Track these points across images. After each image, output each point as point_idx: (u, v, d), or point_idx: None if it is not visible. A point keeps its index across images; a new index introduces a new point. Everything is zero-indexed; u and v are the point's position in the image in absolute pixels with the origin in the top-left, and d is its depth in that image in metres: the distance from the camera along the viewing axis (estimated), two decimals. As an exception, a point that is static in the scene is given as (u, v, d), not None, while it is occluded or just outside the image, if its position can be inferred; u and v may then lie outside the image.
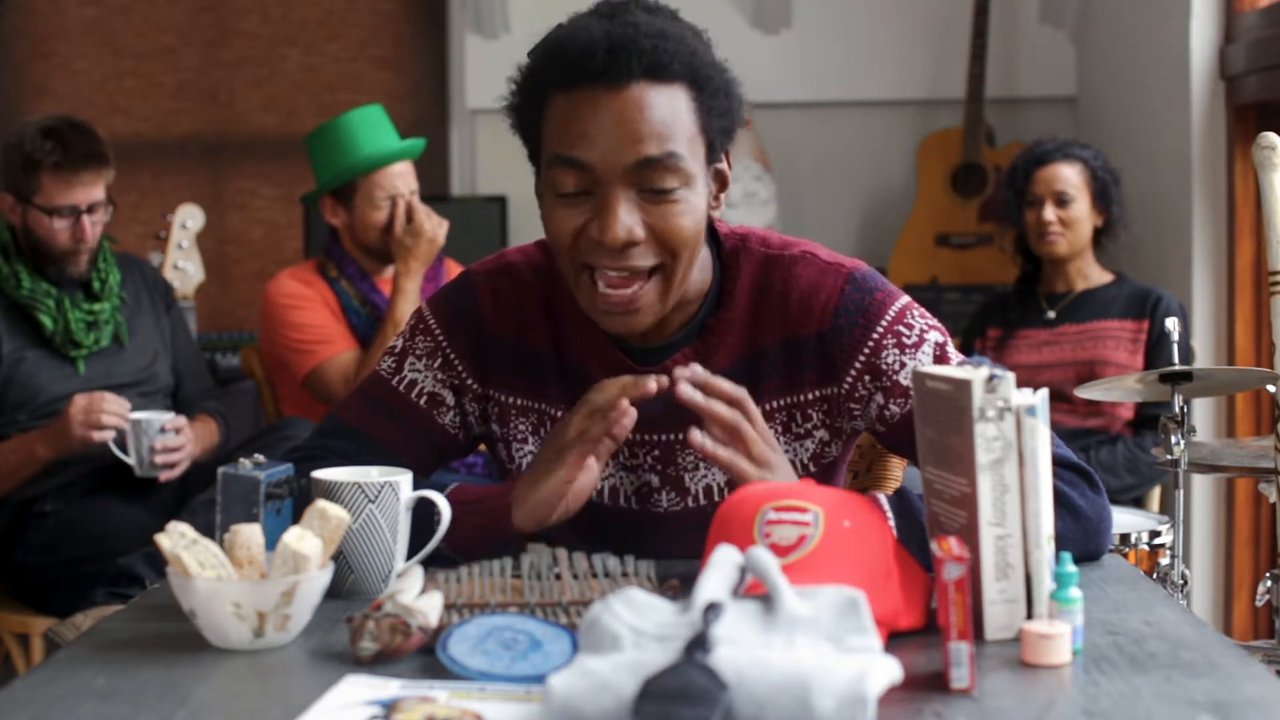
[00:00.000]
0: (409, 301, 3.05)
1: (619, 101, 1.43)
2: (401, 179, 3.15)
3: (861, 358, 1.55)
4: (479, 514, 1.51)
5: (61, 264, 2.89)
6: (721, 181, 1.54)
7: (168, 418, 2.79)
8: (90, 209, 2.87)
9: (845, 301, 1.56)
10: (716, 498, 1.60)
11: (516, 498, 1.49)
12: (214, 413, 3.07)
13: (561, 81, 1.45)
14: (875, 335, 1.55)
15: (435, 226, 3.11)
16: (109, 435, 2.74)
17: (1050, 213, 3.35)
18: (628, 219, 1.44)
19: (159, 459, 2.77)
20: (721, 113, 1.49)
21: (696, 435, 1.40)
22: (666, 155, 1.43)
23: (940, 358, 1.56)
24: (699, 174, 1.47)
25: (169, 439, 2.78)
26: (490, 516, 1.50)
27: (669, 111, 1.44)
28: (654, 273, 1.48)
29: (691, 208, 1.47)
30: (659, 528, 1.62)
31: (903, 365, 1.55)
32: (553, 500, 1.48)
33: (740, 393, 1.44)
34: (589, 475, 1.49)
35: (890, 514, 1.45)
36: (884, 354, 1.55)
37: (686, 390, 1.41)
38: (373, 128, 3.18)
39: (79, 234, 2.86)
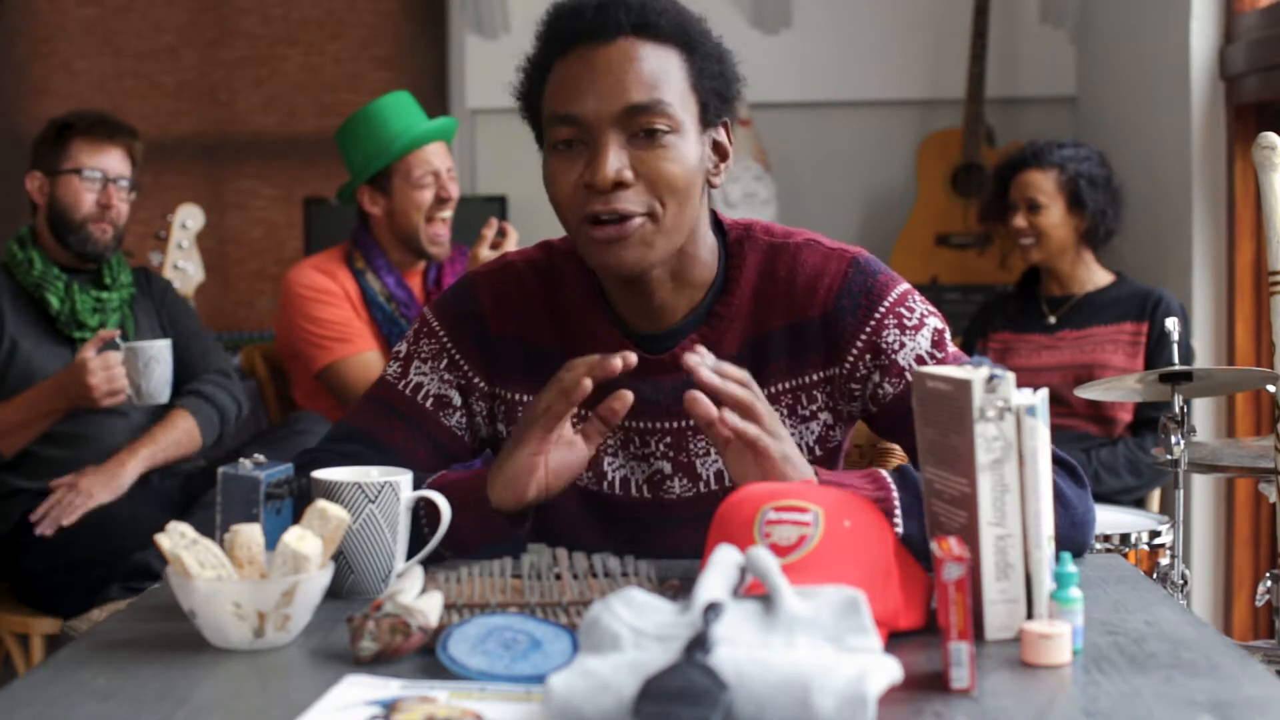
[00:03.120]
0: None
1: (607, 54, 1.49)
2: (438, 157, 3.14)
3: (863, 337, 1.58)
4: (459, 495, 1.51)
5: (84, 234, 2.92)
6: (721, 154, 1.58)
7: (161, 344, 2.80)
8: (117, 180, 2.95)
9: (849, 284, 1.59)
10: (728, 483, 1.62)
11: (491, 476, 1.51)
12: (198, 400, 2.99)
13: (557, 49, 1.51)
14: (877, 315, 1.58)
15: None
16: (126, 393, 2.77)
17: (1021, 219, 3.35)
18: (616, 161, 1.48)
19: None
20: (714, 76, 1.53)
21: (727, 413, 1.41)
22: (654, 102, 1.48)
23: (938, 343, 1.59)
24: (690, 127, 1.51)
25: (169, 355, 2.76)
26: (471, 498, 1.51)
27: (658, 66, 1.49)
28: (644, 216, 1.50)
29: (681, 155, 1.50)
30: (671, 515, 1.63)
31: (902, 345, 1.58)
32: (524, 475, 1.49)
33: (745, 375, 1.46)
34: (574, 454, 1.50)
35: (894, 488, 1.46)
36: (885, 333, 1.58)
37: (705, 373, 1.42)
38: (403, 112, 3.17)
39: (105, 199, 2.93)
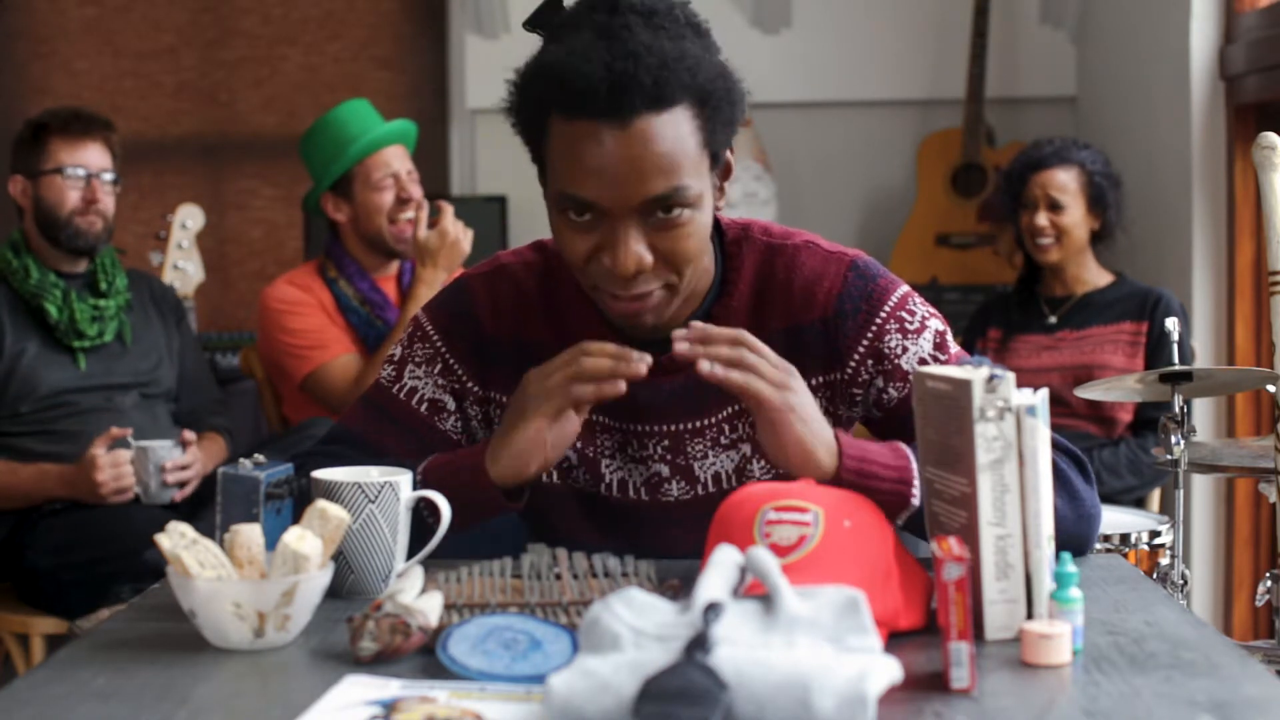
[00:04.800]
0: (421, 303, 3.04)
1: (623, 139, 1.41)
2: (397, 160, 3.17)
3: (865, 342, 1.57)
4: (453, 473, 1.51)
5: (72, 229, 2.93)
6: (725, 171, 1.55)
7: (171, 447, 2.81)
8: (100, 175, 2.96)
9: (849, 288, 1.58)
10: (725, 485, 1.62)
11: (492, 453, 1.49)
12: (221, 430, 3.12)
13: (563, 109, 1.43)
14: (879, 320, 1.57)
15: (461, 232, 3.11)
16: (134, 491, 2.80)
17: (1043, 219, 3.34)
18: (636, 249, 1.44)
19: (170, 478, 2.81)
20: (726, 121, 1.49)
21: (704, 364, 1.40)
22: (673, 190, 1.43)
23: (940, 345, 1.59)
24: (705, 190, 1.48)
25: (178, 457, 2.80)
26: (467, 476, 1.50)
27: (673, 140, 1.42)
28: (663, 289, 1.50)
29: (698, 227, 1.48)
30: (669, 517, 1.63)
31: (905, 350, 1.57)
32: (530, 450, 1.47)
33: (739, 332, 1.43)
34: (569, 423, 1.49)
35: (911, 459, 1.45)
36: (887, 338, 1.57)
37: (683, 346, 1.42)
38: (361, 118, 3.19)
39: (90, 195, 2.93)
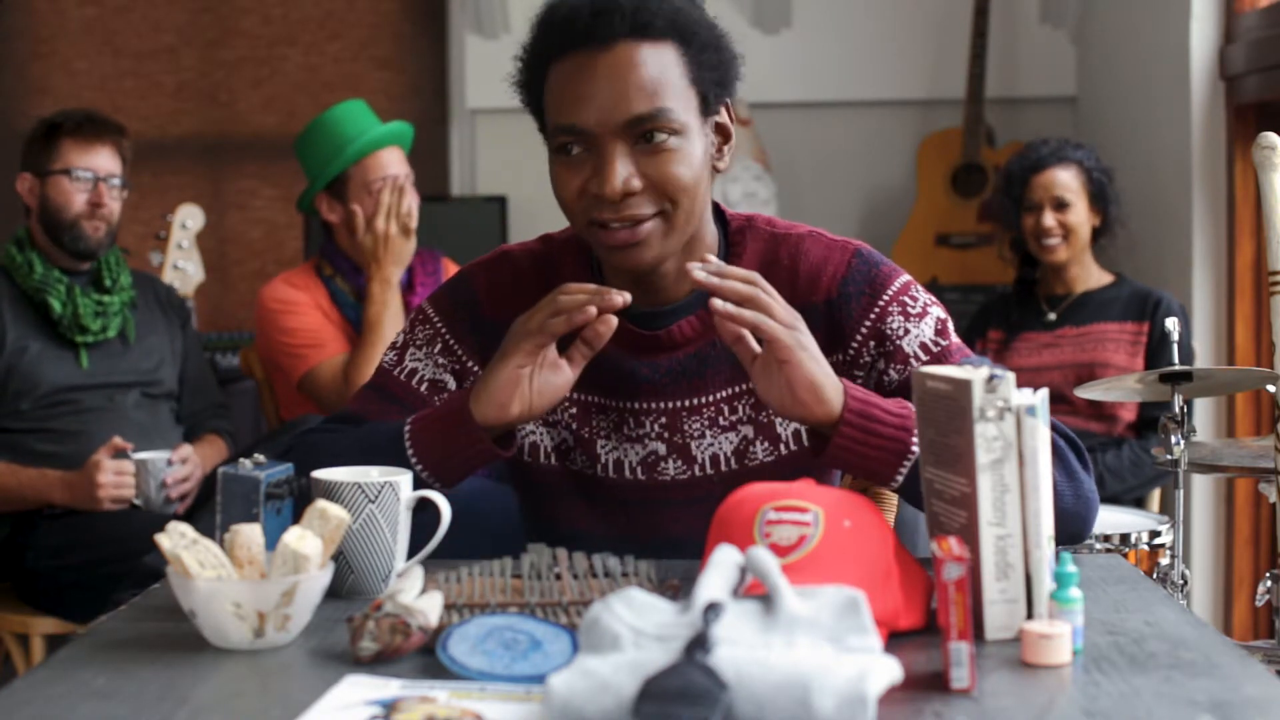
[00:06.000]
0: (379, 303, 3.03)
1: (607, 62, 1.49)
2: (394, 164, 3.14)
3: (868, 323, 1.59)
4: (440, 419, 1.52)
5: (76, 232, 2.93)
6: (724, 135, 1.59)
7: (167, 455, 2.81)
8: (108, 179, 2.96)
9: (853, 272, 1.60)
10: (723, 466, 1.63)
11: (475, 391, 1.52)
12: (223, 432, 3.13)
13: (555, 50, 1.52)
14: (881, 302, 1.59)
15: (395, 227, 3.06)
16: (133, 501, 2.81)
17: (1049, 219, 3.34)
18: (623, 170, 1.49)
19: (173, 492, 2.81)
20: (712, 66, 1.55)
21: (717, 302, 1.41)
22: (656, 111, 1.49)
23: (941, 331, 1.60)
24: (693, 125, 1.52)
25: (177, 471, 2.81)
26: (452, 420, 1.52)
27: (656, 68, 1.49)
28: (656, 217, 1.52)
29: (686, 156, 1.51)
30: (665, 497, 1.64)
31: (906, 332, 1.59)
32: (508, 388, 1.50)
33: (753, 275, 1.45)
34: (559, 376, 1.51)
35: (914, 410, 1.46)
36: (889, 319, 1.59)
37: (701, 275, 1.43)
38: (356, 119, 3.17)
39: (95, 198, 2.94)
